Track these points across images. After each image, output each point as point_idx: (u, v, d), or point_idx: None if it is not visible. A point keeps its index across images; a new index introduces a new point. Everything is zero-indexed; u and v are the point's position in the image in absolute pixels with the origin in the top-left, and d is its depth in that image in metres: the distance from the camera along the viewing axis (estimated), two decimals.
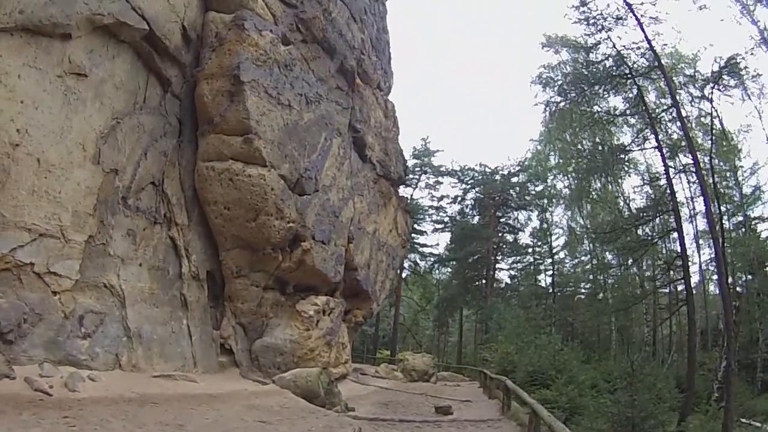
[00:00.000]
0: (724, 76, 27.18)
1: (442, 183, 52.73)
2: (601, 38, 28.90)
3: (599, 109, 34.01)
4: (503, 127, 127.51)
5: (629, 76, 27.86)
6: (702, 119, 33.54)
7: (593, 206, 43.32)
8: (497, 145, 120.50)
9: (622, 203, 40.84)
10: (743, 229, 33.73)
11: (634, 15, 26.45)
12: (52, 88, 9.12)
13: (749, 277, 32.23)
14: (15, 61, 8.43)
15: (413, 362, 26.49)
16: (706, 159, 29.37)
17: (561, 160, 47.06)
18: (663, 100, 33.26)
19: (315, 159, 16.76)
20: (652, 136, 27.79)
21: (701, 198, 27.81)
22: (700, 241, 37.02)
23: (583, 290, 46.51)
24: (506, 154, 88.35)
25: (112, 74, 10.73)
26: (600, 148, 36.21)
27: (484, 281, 49.35)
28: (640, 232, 32.06)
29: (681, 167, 29.78)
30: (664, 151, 27.26)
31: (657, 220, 30.68)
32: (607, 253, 41.17)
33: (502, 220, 51.80)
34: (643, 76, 28.83)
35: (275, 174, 14.34)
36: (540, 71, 42.39)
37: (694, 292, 27.46)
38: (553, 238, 50.67)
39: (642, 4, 26.48)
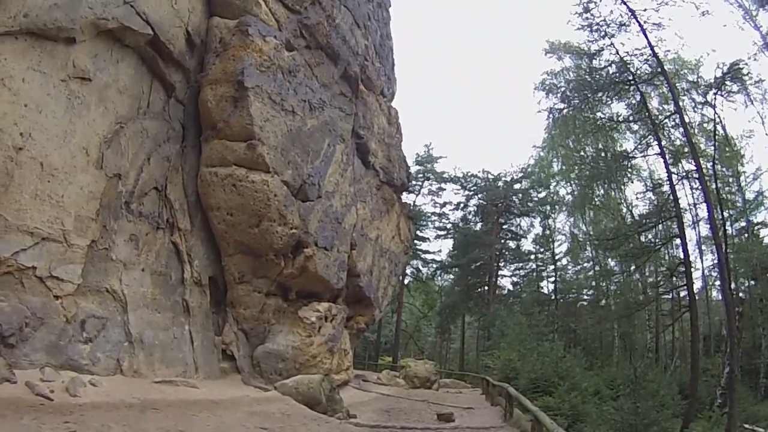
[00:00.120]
0: (727, 82, 27.20)
1: (444, 189, 52.63)
2: (604, 45, 28.94)
3: (602, 116, 34.04)
4: (506, 133, 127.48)
5: (632, 82, 27.86)
6: (705, 125, 33.61)
7: (596, 213, 43.26)
8: (500, 151, 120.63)
9: (624, 210, 40.84)
10: (746, 235, 33.68)
11: (637, 21, 26.49)
12: (56, 92, 9.14)
13: (752, 282, 32.14)
14: (19, 64, 8.45)
15: (415, 369, 26.40)
16: (709, 165, 29.34)
17: (564, 167, 47.01)
18: (666, 106, 33.27)
19: (318, 165, 16.77)
20: (655, 142, 27.76)
21: (704, 204, 27.79)
22: (703, 247, 36.97)
23: (585, 297, 46.31)
24: (509, 161, 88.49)
25: (116, 79, 10.76)
26: (603, 154, 36.25)
27: (486, 288, 49.18)
28: (642, 238, 31.91)
29: (684, 173, 29.74)
30: (667, 157, 27.22)
31: (660, 226, 30.57)
32: (609, 259, 41.07)
33: (504, 226, 51.66)
34: (646, 83, 28.82)
35: (278, 180, 14.33)
36: (543, 78, 42.60)
37: (696, 298, 27.34)
38: (556, 244, 50.61)
39: (645, 10, 26.57)
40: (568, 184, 47.21)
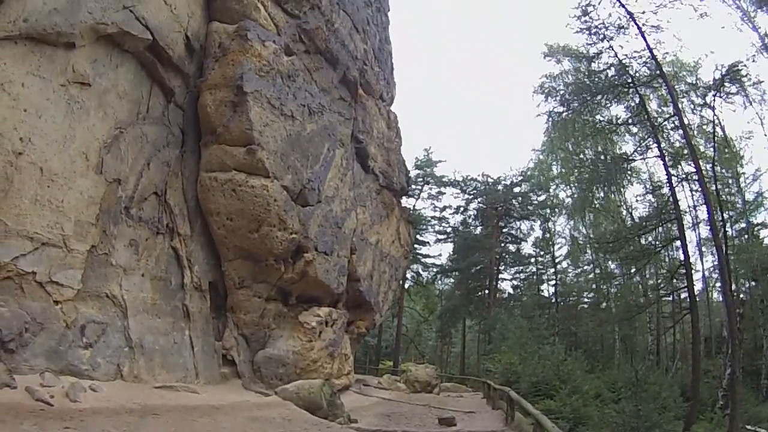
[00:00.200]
0: (726, 84, 27.25)
1: (444, 193, 52.77)
2: (602, 47, 29.08)
3: (601, 119, 34.11)
4: (505, 136, 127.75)
5: (631, 85, 27.92)
6: (704, 127, 33.65)
7: (596, 215, 43.27)
8: (499, 154, 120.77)
9: (624, 212, 40.85)
10: (746, 236, 33.74)
11: (636, 24, 26.59)
12: (56, 97, 9.13)
13: (752, 283, 32.20)
14: (19, 69, 8.44)
15: (416, 373, 26.36)
16: (709, 167, 29.38)
17: (563, 170, 47.03)
18: (665, 108, 33.31)
19: (318, 170, 16.76)
20: (655, 144, 27.83)
21: (704, 206, 27.83)
22: (703, 249, 37.02)
23: (586, 300, 46.35)
24: (509, 164, 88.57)
25: (115, 84, 10.76)
26: (602, 157, 36.27)
27: (486, 291, 49.23)
28: (643, 241, 31.92)
29: (683, 175, 29.78)
30: (667, 159, 27.26)
31: (660, 228, 30.60)
32: (610, 262, 41.07)
33: (504, 230, 51.74)
34: (645, 85, 28.88)
35: (278, 185, 14.32)
36: (542, 81, 42.57)
37: (697, 299, 27.34)
38: (556, 247, 50.75)
39: (643, 13, 26.70)
40: (568, 187, 47.28)
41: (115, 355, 10.28)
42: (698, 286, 34.09)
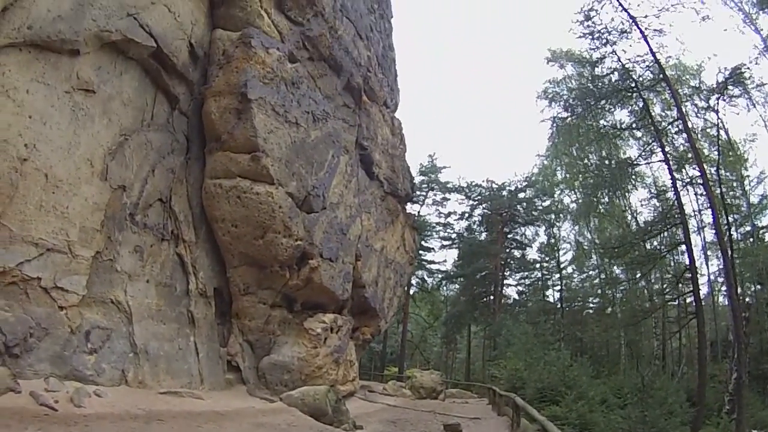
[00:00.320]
0: (729, 87, 27.22)
1: (449, 199, 52.57)
2: (606, 52, 29.13)
3: (605, 124, 34.11)
4: (510, 141, 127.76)
5: (635, 89, 27.92)
6: (708, 130, 33.59)
7: (601, 220, 43.18)
8: (504, 160, 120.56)
9: (629, 217, 40.74)
10: (751, 239, 33.59)
11: (639, 28, 26.63)
12: (60, 104, 9.19)
13: (758, 287, 32.09)
14: (23, 76, 8.50)
15: (421, 379, 26.27)
16: (713, 170, 29.30)
17: (568, 175, 47.08)
18: (669, 112, 33.34)
19: (322, 177, 16.78)
20: (659, 149, 27.80)
21: (709, 210, 27.75)
22: (709, 253, 36.94)
23: (591, 305, 46.07)
24: (513, 169, 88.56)
25: (120, 91, 10.82)
26: (607, 162, 36.25)
27: (492, 297, 49.04)
28: (648, 245, 31.84)
29: (688, 179, 29.73)
30: (671, 163, 27.23)
31: (665, 233, 30.52)
32: (615, 267, 40.91)
33: (509, 235, 51.56)
34: (648, 89, 28.87)
35: (283, 192, 14.35)
36: (546, 86, 42.63)
37: (703, 303, 27.24)
38: (561, 253, 50.52)
39: (646, 17, 26.74)
40: (573, 192, 47.28)
41: (120, 361, 10.29)
42: (704, 290, 34.05)
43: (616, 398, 21.69)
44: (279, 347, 15.66)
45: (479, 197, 51.46)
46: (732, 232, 29.70)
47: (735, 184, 34.91)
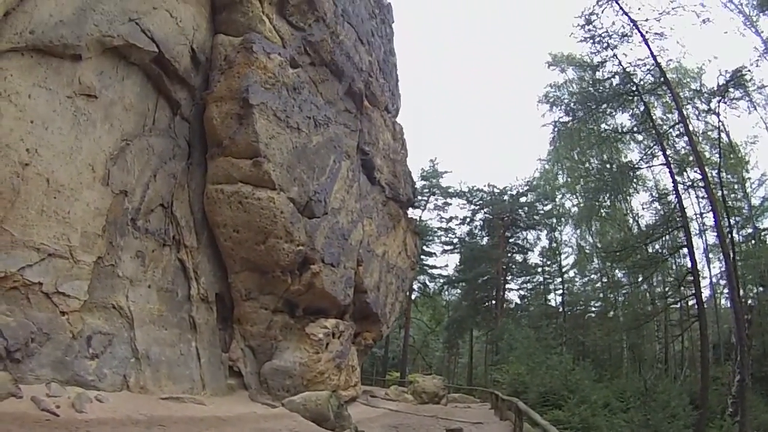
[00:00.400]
0: (730, 89, 27.21)
1: (450, 204, 52.70)
2: (607, 56, 29.12)
3: (606, 127, 34.12)
4: (511, 145, 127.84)
5: (636, 93, 27.92)
6: (709, 133, 33.58)
7: (602, 224, 43.12)
8: (505, 164, 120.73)
9: (631, 220, 40.70)
10: (753, 241, 33.52)
11: (639, 31, 26.64)
12: (62, 109, 9.21)
13: (760, 289, 32.02)
14: (25, 81, 8.53)
15: (423, 384, 26.23)
16: (714, 173, 29.31)
17: (569, 179, 47.04)
18: (670, 115, 33.34)
19: (324, 182, 16.78)
20: (660, 152, 27.77)
21: (710, 212, 27.70)
22: (711, 255, 36.92)
23: (593, 309, 46.05)
24: (514, 174, 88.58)
25: (121, 96, 10.84)
26: (608, 166, 36.21)
27: (493, 302, 49.02)
28: (650, 249, 31.79)
29: (689, 182, 29.69)
30: (673, 167, 27.20)
31: (667, 236, 30.48)
32: (617, 271, 40.88)
33: (511, 240, 51.59)
34: (649, 93, 28.87)
35: (284, 197, 14.33)
36: (547, 90, 42.67)
37: (705, 306, 27.18)
38: (563, 257, 50.56)
39: (646, 20, 26.75)
40: (574, 196, 47.29)
41: (122, 366, 10.27)
42: (706, 293, 34.05)
43: (619, 402, 21.64)
44: (281, 352, 15.61)
45: (481, 202, 51.54)
46: (734, 235, 29.65)
47: (736, 187, 34.88)
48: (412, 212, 34.08)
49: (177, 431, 8.57)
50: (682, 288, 30.19)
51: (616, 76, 29.21)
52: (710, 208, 26.80)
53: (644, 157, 31.19)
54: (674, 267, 36.58)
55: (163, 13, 11.76)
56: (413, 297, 49.16)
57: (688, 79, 36.41)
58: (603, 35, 28.46)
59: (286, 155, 14.53)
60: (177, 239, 12.74)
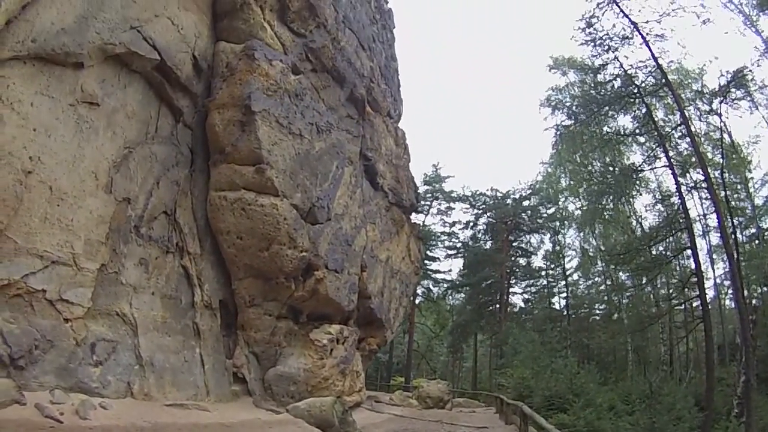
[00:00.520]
0: (732, 89, 27.20)
1: (453, 209, 52.68)
2: (608, 58, 29.15)
3: (609, 130, 34.09)
4: (514, 149, 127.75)
5: (637, 95, 27.92)
6: (711, 134, 33.56)
7: (605, 227, 43.04)
8: (508, 168, 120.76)
9: (634, 223, 40.66)
10: (757, 241, 33.42)
11: (640, 34, 26.67)
12: (65, 117, 9.25)
13: (765, 289, 31.91)
14: (28, 89, 8.56)
15: (428, 389, 26.14)
16: (717, 173, 29.27)
17: (572, 182, 47.02)
18: (672, 117, 33.32)
19: (327, 188, 16.79)
20: (663, 154, 27.75)
21: (714, 213, 27.71)
22: (714, 256, 36.80)
23: (597, 311, 45.90)
24: (517, 178, 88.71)
25: (124, 103, 10.87)
26: (611, 168, 36.19)
27: (497, 306, 48.91)
28: (654, 251, 31.71)
29: (692, 184, 29.65)
30: (675, 168, 27.18)
31: (670, 238, 30.42)
32: (621, 273, 40.74)
33: (514, 244, 51.49)
34: (651, 95, 28.86)
35: (287, 203, 14.34)
36: (548, 94, 42.66)
37: (709, 307, 27.09)
38: (567, 260, 50.38)
39: (647, 22, 26.77)
40: (577, 199, 47.20)
41: (126, 373, 10.27)
42: (710, 294, 33.87)
43: (624, 405, 21.55)
44: (285, 359, 15.60)
45: (484, 206, 51.52)
46: (737, 235, 29.61)
47: (739, 187, 34.85)
48: (415, 217, 34.10)
49: None
50: (687, 289, 30.12)
51: (618, 79, 29.23)
52: (713, 209, 26.83)
53: (647, 159, 31.18)
54: (678, 268, 36.47)
55: (164, 21, 11.80)
56: (417, 302, 49.13)
57: (690, 80, 36.39)
58: (604, 38, 28.50)
59: (288, 162, 14.54)
60: (180, 246, 12.76)
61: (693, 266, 27.31)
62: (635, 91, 27.87)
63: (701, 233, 35.11)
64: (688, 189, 29.42)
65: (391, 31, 27.56)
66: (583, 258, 48.21)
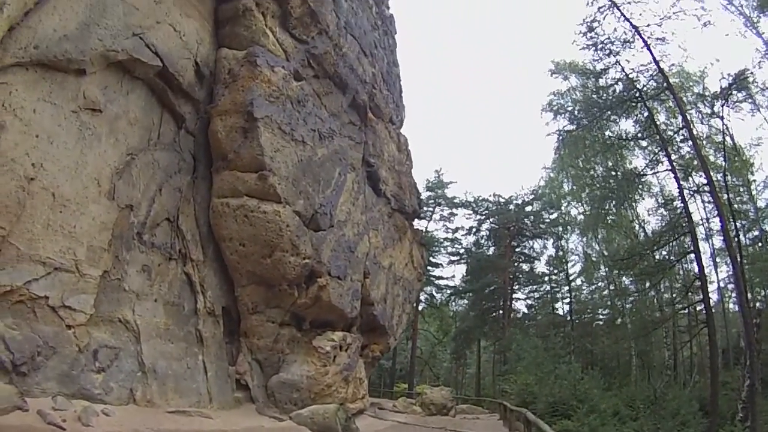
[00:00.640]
0: (733, 92, 27.18)
1: (456, 214, 52.63)
2: (609, 63, 29.14)
3: (611, 134, 34.09)
4: (516, 154, 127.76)
5: (639, 99, 27.89)
6: (713, 137, 33.52)
7: (608, 232, 42.96)
8: (510, 173, 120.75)
9: (637, 227, 40.55)
10: (760, 244, 33.25)
11: (641, 37, 26.63)
12: (67, 123, 9.27)
13: None
14: (30, 95, 8.59)
15: (431, 395, 26.09)
16: (720, 176, 29.18)
17: (574, 187, 46.98)
18: (674, 120, 33.30)
19: (329, 194, 16.78)
20: (665, 158, 27.71)
21: (717, 217, 27.63)
22: (717, 259, 36.67)
23: (601, 317, 45.69)
24: (520, 183, 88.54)
25: (126, 110, 10.90)
26: (613, 173, 36.15)
27: (501, 312, 48.81)
28: (657, 255, 31.61)
29: (695, 187, 29.61)
30: (678, 172, 27.13)
31: (673, 242, 30.33)
32: (624, 278, 40.61)
33: (517, 249, 51.41)
34: (653, 99, 28.84)
35: (290, 210, 14.32)
36: (550, 98, 42.69)
37: (713, 311, 26.99)
38: (570, 265, 50.30)
39: (648, 26, 26.70)
40: (580, 204, 47.19)
41: (128, 380, 10.24)
42: (714, 298, 33.76)
43: (629, 410, 21.45)
44: (288, 366, 15.56)
45: (486, 212, 51.49)
46: (740, 238, 29.48)
47: (742, 190, 34.69)
48: (418, 223, 34.09)
49: None
50: (690, 294, 30.00)
51: (619, 83, 29.20)
52: (716, 212, 26.77)
53: (649, 163, 31.08)
54: (681, 272, 36.37)
55: (166, 28, 11.83)
56: (420, 308, 49.04)
57: (691, 83, 36.42)
58: (605, 42, 28.48)
59: (291, 168, 14.54)
60: (183, 253, 12.75)
61: (696, 270, 27.20)
62: (637, 95, 27.83)
63: (704, 237, 35.05)
64: (691, 193, 29.42)
65: (393, 37, 27.61)
66: (586, 263, 48.12)
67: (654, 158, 30.46)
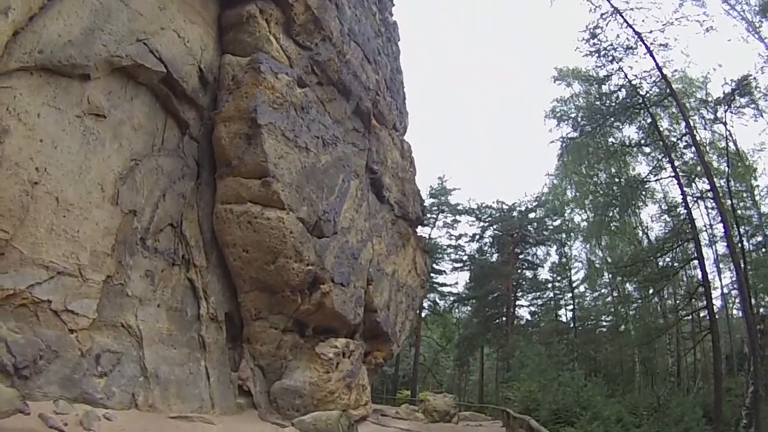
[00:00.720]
0: (736, 97, 27.17)
1: (459, 221, 52.69)
2: (612, 69, 29.10)
3: (614, 141, 34.07)
4: (519, 161, 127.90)
5: (642, 105, 27.89)
6: (717, 143, 33.45)
7: (612, 238, 42.86)
8: (514, 179, 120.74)
9: (641, 234, 40.48)
10: (763, 250, 33.10)
11: (644, 43, 26.65)
12: (71, 128, 9.31)
13: None
14: (34, 100, 8.63)
15: (434, 402, 25.98)
16: (723, 182, 29.13)
17: (578, 194, 46.92)
18: (677, 126, 33.25)
19: (333, 201, 16.78)
20: (668, 164, 27.68)
21: (720, 223, 27.54)
22: (721, 266, 36.53)
23: (604, 323, 45.61)
24: (523, 189, 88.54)
25: (130, 116, 10.94)
26: (617, 180, 36.11)
27: (504, 319, 48.75)
28: (660, 262, 31.52)
29: (698, 194, 29.52)
30: (681, 178, 27.10)
31: (677, 248, 30.24)
32: (627, 284, 40.51)
33: (521, 256, 51.39)
34: (656, 105, 28.83)
35: (294, 217, 14.32)
36: (553, 105, 42.73)
37: (717, 317, 26.88)
38: (573, 272, 50.12)
39: (651, 32, 26.73)
40: (583, 210, 47.07)
41: (130, 385, 10.24)
42: (717, 304, 33.61)
43: (632, 417, 21.36)
44: (291, 372, 15.53)
45: (490, 218, 51.50)
46: (744, 244, 29.37)
47: (745, 195, 34.61)
48: (421, 230, 34.06)
49: None
50: (694, 300, 29.86)
51: (623, 89, 29.22)
52: (720, 218, 26.65)
53: (653, 169, 31.05)
54: (685, 279, 36.28)
55: (170, 34, 11.88)
56: (423, 315, 48.99)
57: (694, 89, 36.38)
58: (608, 48, 28.49)
59: (294, 175, 14.55)
60: (186, 259, 12.76)
61: (700, 276, 27.11)
62: (640, 101, 27.83)
63: (708, 243, 34.92)
64: (694, 199, 29.28)
65: (396, 44, 27.66)
66: (589, 270, 48.02)
67: (657, 164, 30.45)
